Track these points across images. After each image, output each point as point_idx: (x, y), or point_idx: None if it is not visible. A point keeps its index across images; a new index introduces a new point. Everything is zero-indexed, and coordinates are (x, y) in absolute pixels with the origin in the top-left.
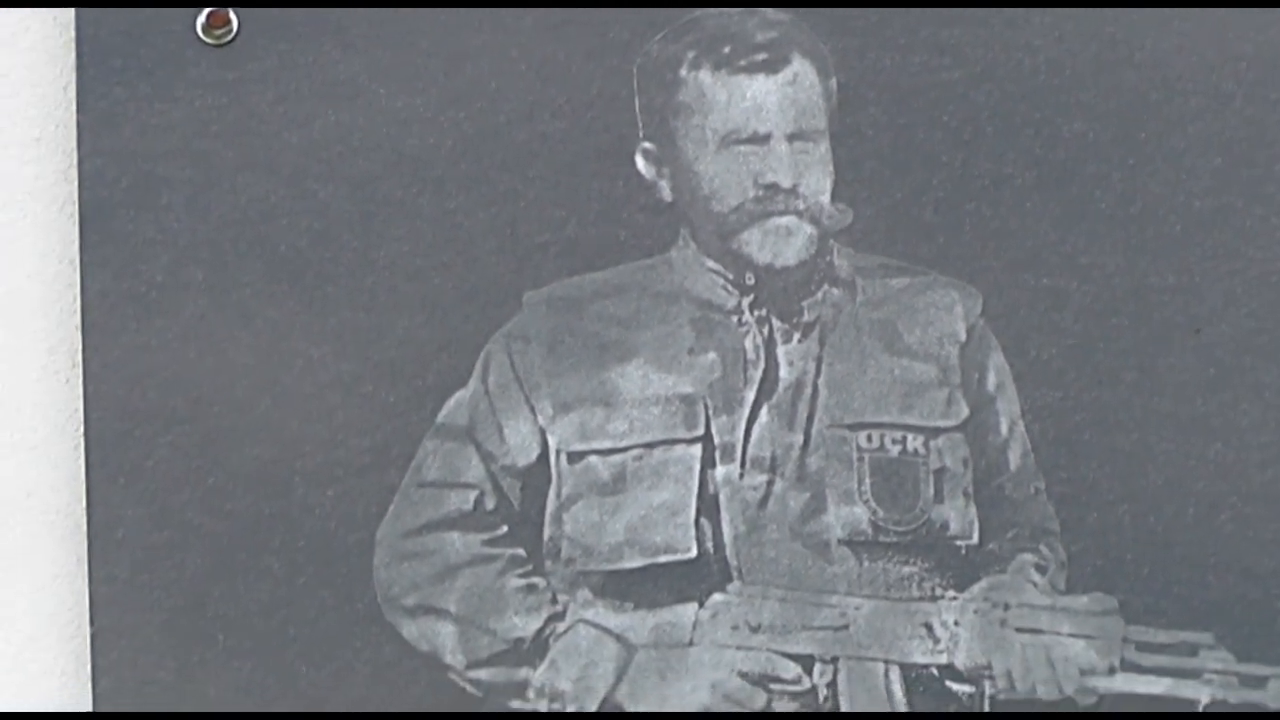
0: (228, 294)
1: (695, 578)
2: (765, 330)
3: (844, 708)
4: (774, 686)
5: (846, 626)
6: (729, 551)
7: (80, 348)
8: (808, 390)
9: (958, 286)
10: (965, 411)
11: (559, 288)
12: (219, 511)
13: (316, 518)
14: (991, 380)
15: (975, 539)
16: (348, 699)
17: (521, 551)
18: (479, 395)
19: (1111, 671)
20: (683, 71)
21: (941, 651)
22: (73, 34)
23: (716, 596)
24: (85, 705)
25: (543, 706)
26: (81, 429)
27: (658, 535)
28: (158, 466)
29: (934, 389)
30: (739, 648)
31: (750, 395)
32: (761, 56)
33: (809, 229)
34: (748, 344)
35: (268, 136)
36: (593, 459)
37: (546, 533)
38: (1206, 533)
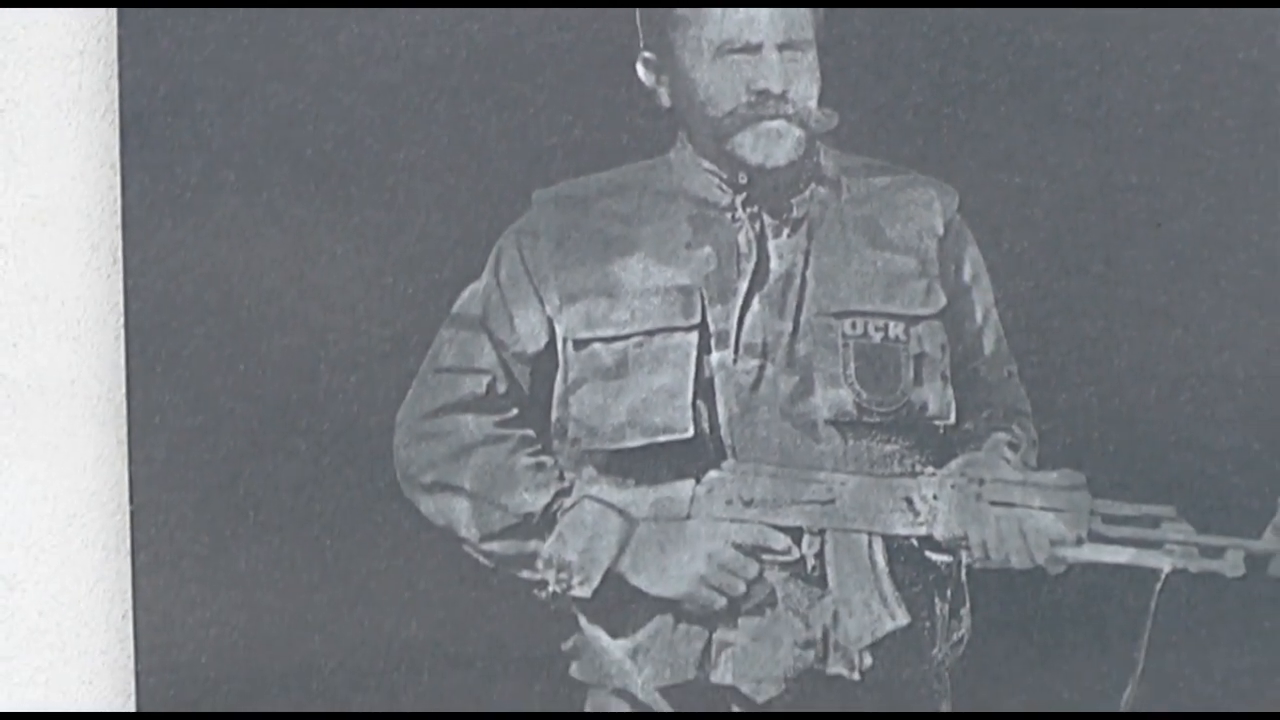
0: (258, 194)
1: (692, 456)
2: (757, 226)
3: (830, 577)
4: (765, 557)
5: (833, 501)
6: (723, 431)
7: (120, 245)
8: (796, 281)
9: (936, 185)
10: (943, 300)
11: (566, 187)
12: (250, 396)
13: (340, 402)
14: (967, 271)
15: (952, 419)
16: (369, 570)
17: (531, 432)
18: (491, 287)
19: (1079, 542)
20: None
21: (921, 524)
22: None
23: (712, 473)
24: (125, 577)
25: (550, 577)
26: (122, 320)
27: (657, 416)
28: (193, 355)
29: (914, 280)
30: (733, 520)
31: (743, 286)
32: None
33: (798, 132)
34: (741, 239)
35: (295, 48)
36: (597, 346)
37: (554, 414)
38: (1168, 413)
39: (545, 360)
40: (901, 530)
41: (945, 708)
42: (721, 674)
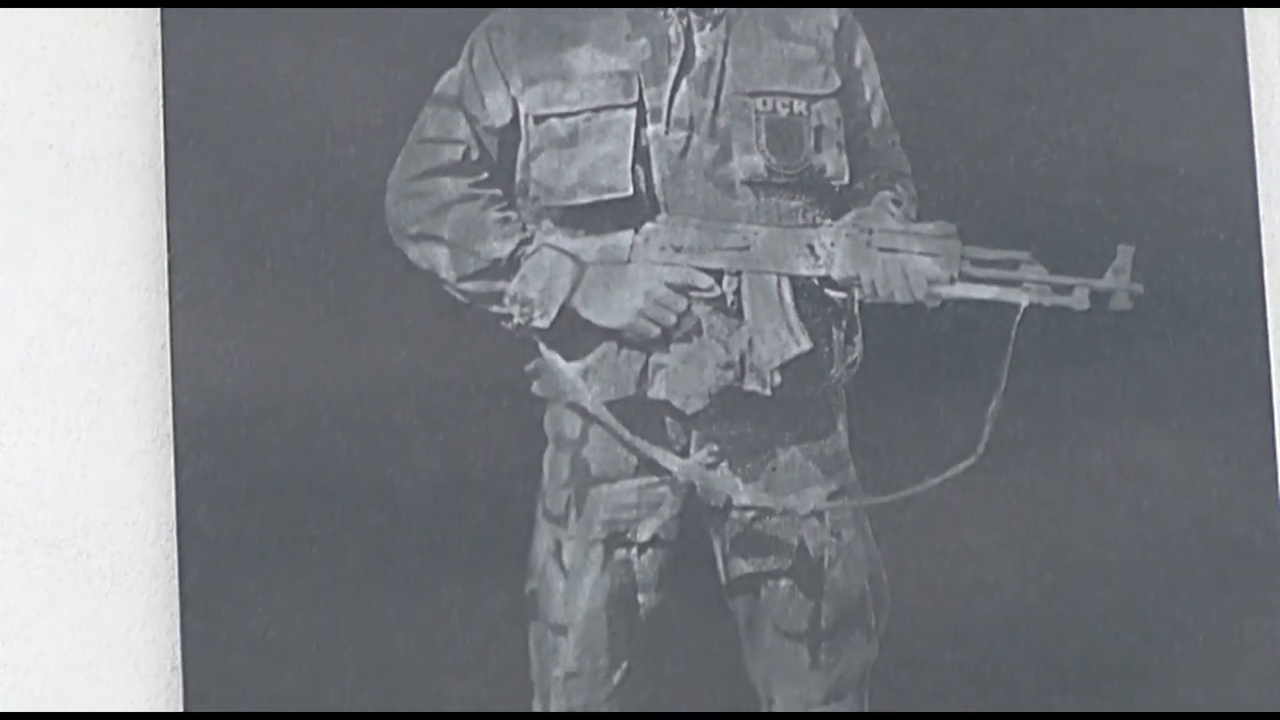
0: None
1: (632, 211)
2: (684, 22)
3: (746, 310)
4: (692, 293)
5: (748, 247)
6: (657, 191)
7: (160, 40)
8: (717, 67)
9: None
10: (838, 82)
11: None
12: (267, 163)
13: (342, 168)
14: (858, 59)
15: (846, 180)
16: (365, 307)
17: (499, 192)
18: (465, 72)
19: (952, 281)
20: None
21: (821, 266)
22: None
23: (648, 225)
24: (164, 313)
25: (515, 310)
26: (161, 102)
27: (603, 178)
28: (222, 129)
29: (814, 65)
30: (665, 264)
31: (673, 71)
32: None
33: None
34: (671, 32)
35: None
36: (553, 120)
37: (518, 177)
38: (1024, 174)
39: (510, 132)
40: (805, 271)
41: (842, 420)
42: (657, 390)
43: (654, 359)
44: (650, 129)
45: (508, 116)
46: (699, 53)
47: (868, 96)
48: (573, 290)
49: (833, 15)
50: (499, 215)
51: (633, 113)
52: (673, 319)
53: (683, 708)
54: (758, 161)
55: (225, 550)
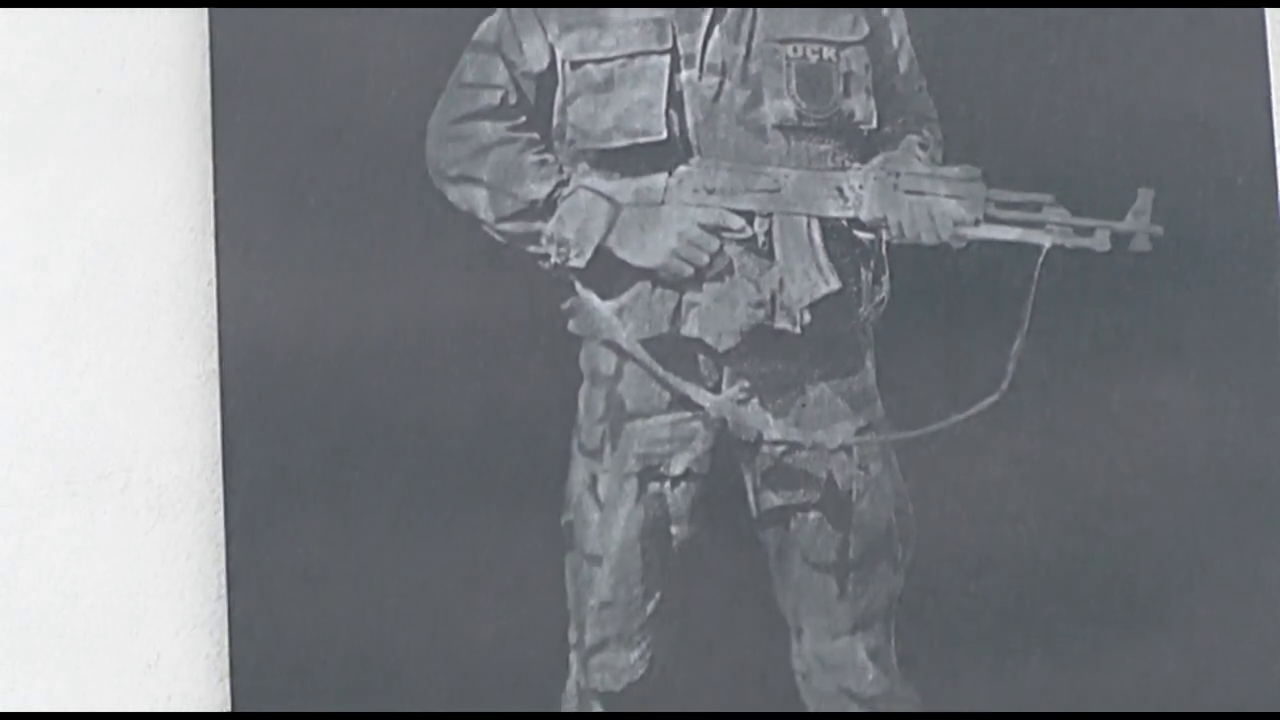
0: None
1: (665, 154)
2: None
3: (777, 250)
4: (725, 234)
5: (779, 190)
6: (691, 134)
7: None
8: (749, 14)
9: None
10: (866, 29)
11: None
12: (312, 106)
13: (384, 112)
14: (885, 6)
15: (874, 124)
16: (407, 247)
17: (536, 135)
18: (504, 19)
19: (976, 223)
20: None
21: (850, 208)
22: None
23: (681, 168)
24: (210, 253)
25: (552, 251)
26: (208, 45)
27: (638, 122)
28: (266, 72)
29: (843, 13)
30: (698, 205)
31: (706, 18)
32: None
33: None
34: None
35: None
36: (589, 66)
37: (555, 121)
38: (1047, 123)
39: (547, 78)
40: (834, 213)
41: (869, 357)
42: (689, 328)
43: (687, 297)
44: (684, 74)
45: (545, 62)
46: None
47: (895, 43)
48: (608, 231)
49: None
50: (536, 158)
51: (667, 59)
52: (705, 259)
53: (714, 637)
54: (788, 106)
55: (269, 482)
